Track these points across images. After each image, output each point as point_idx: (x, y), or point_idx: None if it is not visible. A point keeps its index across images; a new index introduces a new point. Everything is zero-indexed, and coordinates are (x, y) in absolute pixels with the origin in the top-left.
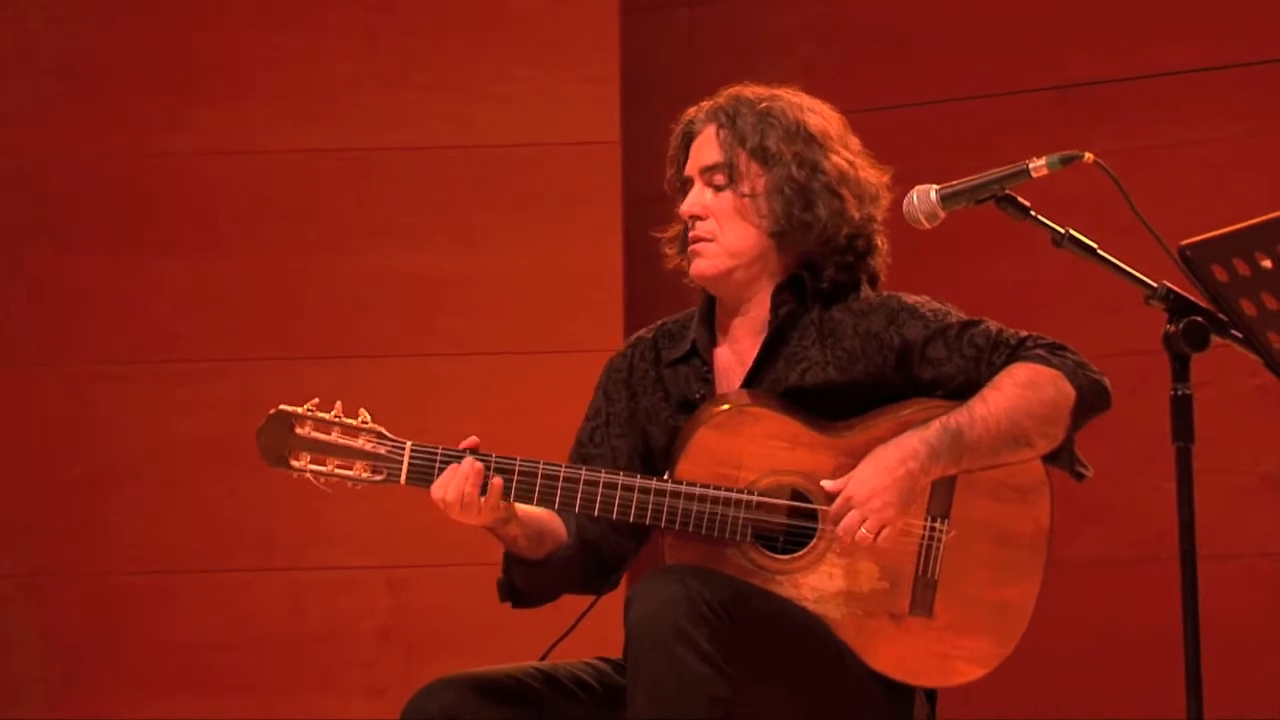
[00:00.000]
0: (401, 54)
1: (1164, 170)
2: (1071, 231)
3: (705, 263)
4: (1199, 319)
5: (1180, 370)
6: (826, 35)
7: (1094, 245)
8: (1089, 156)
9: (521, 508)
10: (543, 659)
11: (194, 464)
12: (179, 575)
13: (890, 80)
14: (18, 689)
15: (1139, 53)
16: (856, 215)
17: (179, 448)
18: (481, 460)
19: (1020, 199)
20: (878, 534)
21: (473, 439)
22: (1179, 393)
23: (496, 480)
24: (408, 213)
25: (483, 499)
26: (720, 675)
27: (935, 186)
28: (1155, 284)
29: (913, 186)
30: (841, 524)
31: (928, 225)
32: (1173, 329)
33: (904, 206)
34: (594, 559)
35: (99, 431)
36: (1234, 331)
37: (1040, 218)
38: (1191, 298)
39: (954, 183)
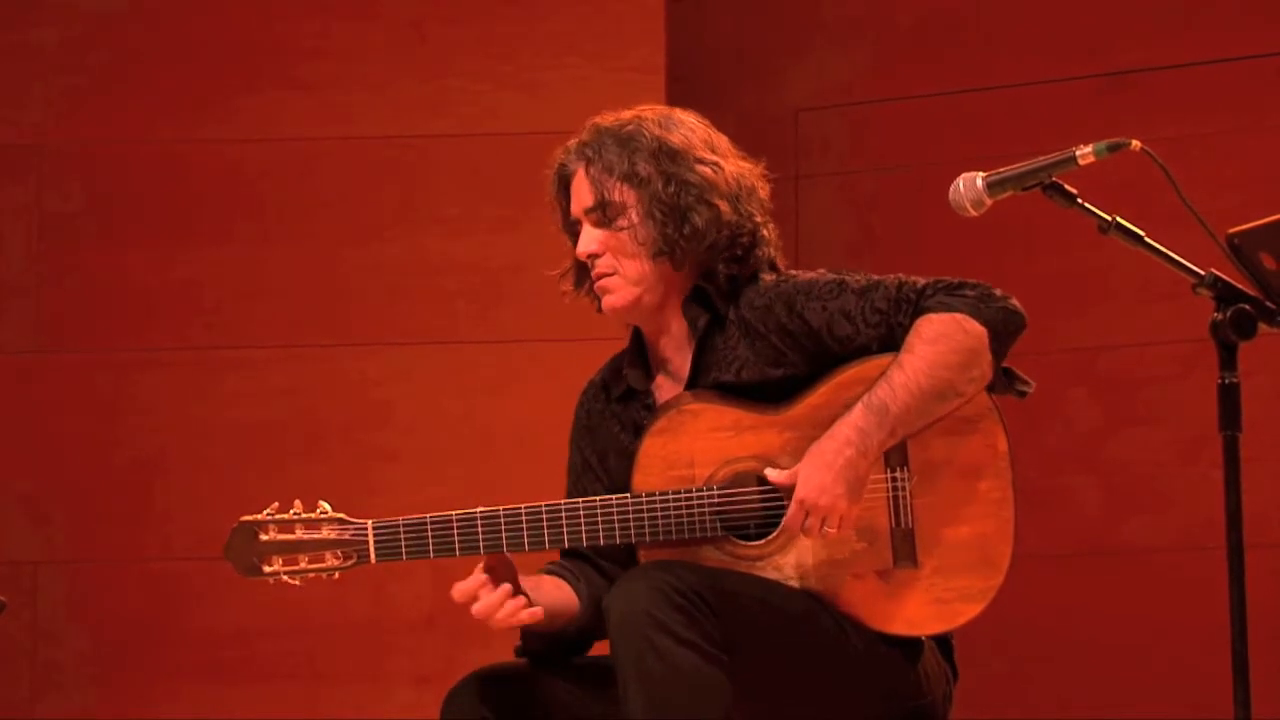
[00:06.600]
0: (447, 42)
1: (1212, 158)
2: (1118, 219)
3: (614, 297)
4: (1247, 307)
5: (1228, 358)
6: (872, 24)
7: (1141, 233)
8: (1136, 144)
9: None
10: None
11: (239, 450)
12: (224, 562)
13: (936, 68)
14: (63, 676)
15: (1187, 40)
16: (733, 217)
17: (225, 434)
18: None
19: (1067, 186)
20: (838, 525)
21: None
22: (1226, 381)
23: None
24: (453, 201)
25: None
26: (709, 661)
27: (981, 174)
28: (1203, 272)
29: (960, 174)
30: (803, 530)
31: (974, 213)
32: (1220, 317)
33: (950, 194)
34: None
35: (144, 418)
36: None
37: (1087, 205)
38: (1239, 286)
39: (1001, 170)
